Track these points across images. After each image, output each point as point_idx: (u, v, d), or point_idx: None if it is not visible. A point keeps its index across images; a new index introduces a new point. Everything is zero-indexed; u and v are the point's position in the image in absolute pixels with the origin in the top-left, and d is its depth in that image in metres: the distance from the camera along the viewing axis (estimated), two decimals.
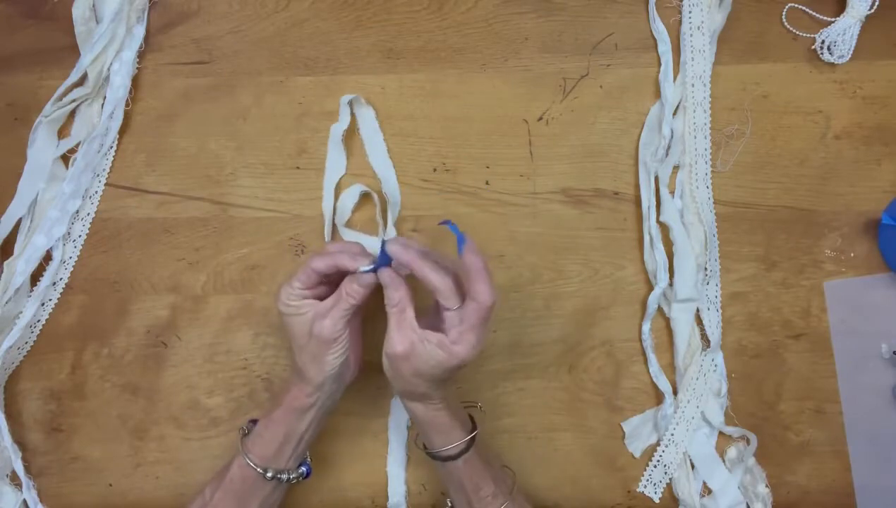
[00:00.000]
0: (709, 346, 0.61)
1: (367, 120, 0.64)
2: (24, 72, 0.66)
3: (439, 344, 0.48)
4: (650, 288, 0.62)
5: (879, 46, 0.64)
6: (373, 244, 0.62)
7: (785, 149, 0.63)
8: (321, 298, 0.52)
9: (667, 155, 0.63)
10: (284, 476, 0.54)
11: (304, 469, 0.56)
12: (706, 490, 0.61)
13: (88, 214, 0.65)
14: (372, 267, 0.50)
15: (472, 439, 0.53)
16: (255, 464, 0.53)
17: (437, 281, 0.48)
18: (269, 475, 0.53)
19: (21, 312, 0.62)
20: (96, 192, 0.65)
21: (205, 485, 0.55)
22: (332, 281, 0.53)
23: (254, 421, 0.56)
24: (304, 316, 0.51)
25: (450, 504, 0.57)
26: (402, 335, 0.49)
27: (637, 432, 0.62)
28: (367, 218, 0.64)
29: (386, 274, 0.50)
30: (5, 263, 0.62)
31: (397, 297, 0.50)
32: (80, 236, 0.64)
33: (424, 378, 0.50)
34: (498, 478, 0.54)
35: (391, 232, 0.62)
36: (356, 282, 0.50)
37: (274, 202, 0.64)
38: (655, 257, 0.62)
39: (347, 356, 0.52)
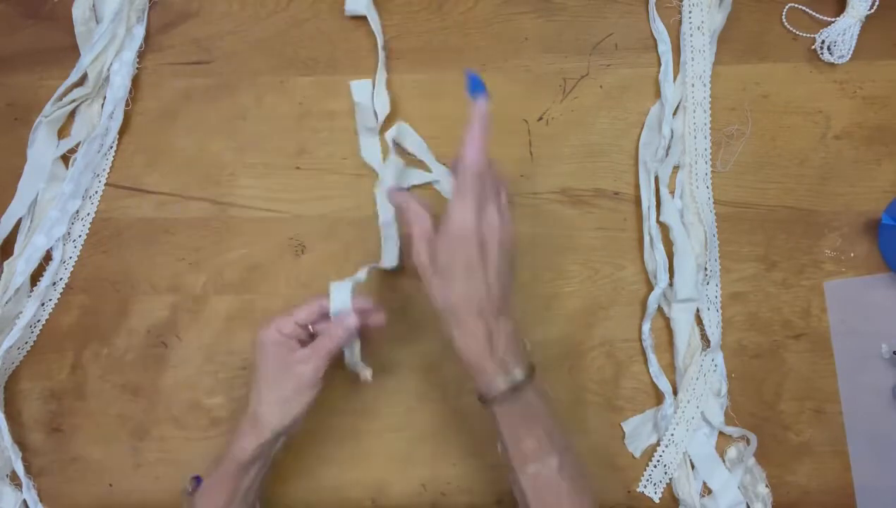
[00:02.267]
0: (709, 346, 0.61)
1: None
2: (24, 72, 0.66)
3: (443, 219, 0.48)
4: (650, 288, 0.62)
5: (879, 46, 0.64)
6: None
7: (785, 149, 0.63)
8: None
9: (667, 155, 0.63)
10: None
11: None
12: (706, 490, 0.61)
13: (88, 214, 0.65)
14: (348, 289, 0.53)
15: (517, 388, 0.49)
16: None
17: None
18: None
19: (21, 312, 0.62)
20: (96, 192, 0.65)
21: None
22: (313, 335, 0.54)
23: (196, 478, 0.55)
24: (287, 356, 0.52)
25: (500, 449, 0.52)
26: (424, 214, 0.50)
27: (637, 432, 0.62)
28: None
29: (396, 197, 0.52)
30: (5, 263, 0.62)
31: (399, 196, 0.52)
32: (80, 236, 0.64)
33: (457, 265, 0.47)
34: (552, 432, 0.49)
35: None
36: (340, 327, 0.52)
37: (274, 202, 0.64)
38: (655, 257, 0.62)
39: (309, 407, 0.52)
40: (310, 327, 0.54)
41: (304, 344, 0.53)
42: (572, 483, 0.49)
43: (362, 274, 0.56)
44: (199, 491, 0.53)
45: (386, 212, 0.62)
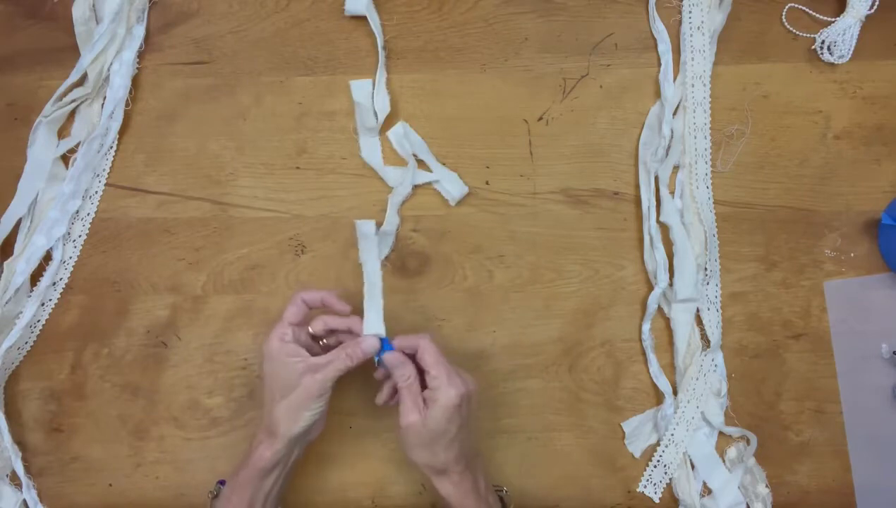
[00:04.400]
0: (709, 346, 0.61)
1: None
2: (24, 72, 0.66)
3: (430, 398, 0.52)
4: (650, 288, 0.62)
5: (879, 46, 0.64)
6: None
7: (785, 149, 0.63)
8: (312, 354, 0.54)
9: (667, 155, 0.63)
10: None
11: None
12: (706, 490, 0.61)
13: (88, 214, 0.65)
14: (380, 354, 0.54)
15: None
16: None
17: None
18: None
19: (21, 312, 0.62)
20: (96, 192, 0.65)
21: None
22: (324, 346, 0.56)
23: (222, 482, 0.56)
24: (296, 364, 0.52)
25: None
26: (414, 404, 0.52)
27: (637, 432, 0.62)
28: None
29: (393, 358, 0.53)
30: (5, 263, 0.62)
31: (407, 373, 0.53)
32: (80, 236, 0.64)
33: (437, 442, 0.51)
34: None
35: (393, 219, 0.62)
36: (360, 347, 0.53)
37: (274, 202, 0.64)
38: (655, 257, 0.62)
39: (322, 414, 0.53)
40: (309, 329, 0.55)
41: (309, 347, 0.54)
42: None
43: (377, 282, 0.57)
44: (219, 497, 0.54)
45: (391, 223, 0.62)
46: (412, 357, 0.54)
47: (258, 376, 0.62)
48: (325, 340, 0.57)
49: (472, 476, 0.53)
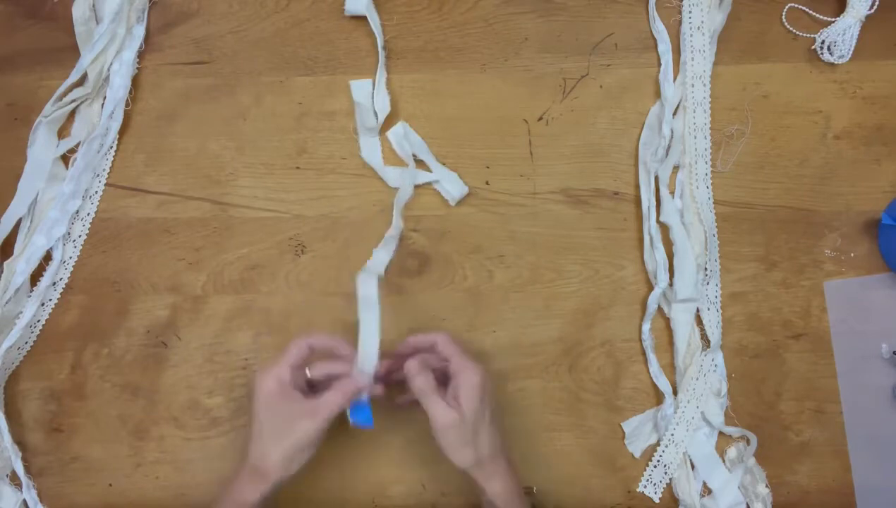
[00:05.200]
0: (709, 346, 0.61)
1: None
2: (24, 72, 0.66)
3: (458, 388, 0.52)
4: (650, 288, 0.62)
5: (879, 46, 0.64)
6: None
7: (785, 149, 0.63)
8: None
9: (667, 155, 0.63)
10: None
11: None
12: (706, 490, 0.61)
13: (88, 214, 0.65)
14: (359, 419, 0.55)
15: None
16: None
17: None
18: None
19: (21, 312, 0.62)
20: (96, 192, 0.65)
21: None
22: (308, 382, 0.55)
23: None
24: (291, 408, 0.52)
25: None
26: (442, 406, 0.52)
27: (637, 432, 0.62)
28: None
29: (411, 366, 0.53)
30: (5, 263, 0.62)
31: (422, 381, 0.52)
32: (80, 236, 0.64)
33: (478, 425, 0.52)
34: None
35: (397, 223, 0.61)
36: (354, 383, 0.53)
37: (274, 202, 0.64)
38: (655, 257, 0.62)
39: (313, 455, 0.53)
40: (307, 372, 0.54)
41: (303, 391, 0.53)
42: None
43: (374, 323, 0.54)
44: None
45: (396, 227, 0.61)
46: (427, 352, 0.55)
47: (244, 367, 0.63)
48: (313, 374, 0.55)
49: (515, 471, 0.54)
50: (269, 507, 0.53)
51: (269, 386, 0.52)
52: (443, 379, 0.54)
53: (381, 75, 0.64)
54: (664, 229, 0.62)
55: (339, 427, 0.62)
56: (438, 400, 0.52)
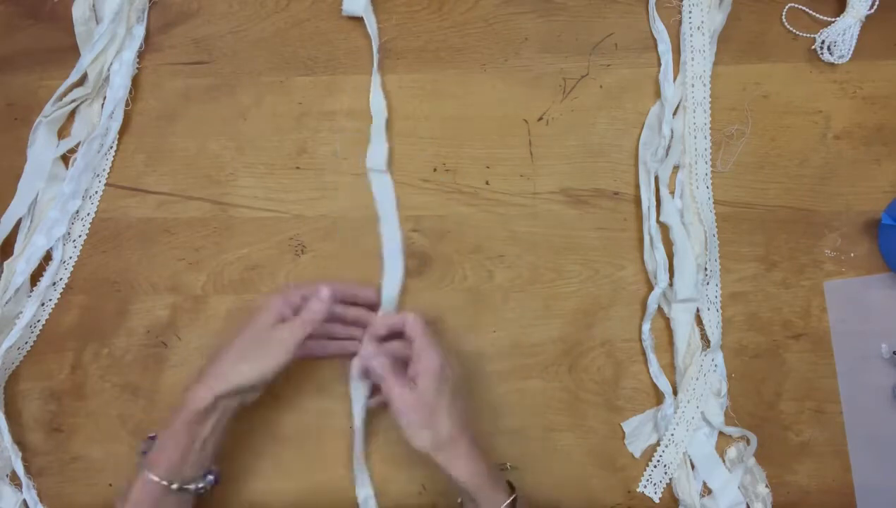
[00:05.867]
0: (709, 346, 0.61)
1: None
2: (24, 72, 0.66)
3: (417, 370, 0.53)
4: (650, 288, 0.62)
5: (879, 46, 0.64)
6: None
7: (785, 149, 0.63)
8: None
9: (667, 155, 0.63)
10: (192, 487, 0.52)
11: (210, 477, 0.54)
12: (706, 490, 0.61)
13: (88, 214, 0.65)
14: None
15: (514, 501, 0.53)
16: (159, 478, 0.51)
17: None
18: (175, 486, 0.51)
19: (21, 312, 0.62)
20: (96, 192, 0.65)
21: None
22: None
23: (153, 437, 0.54)
24: (275, 324, 0.54)
25: None
26: (397, 381, 0.53)
27: (637, 432, 0.62)
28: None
29: (365, 353, 0.57)
30: (5, 263, 0.62)
31: (383, 361, 0.54)
32: (80, 236, 0.64)
33: (436, 408, 0.52)
34: None
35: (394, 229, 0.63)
36: (318, 300, 0.55)
37: (274, 202, 0.64)
38: (655, 257, 0.62)
39: (270, 377, 0.53)
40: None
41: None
42: None
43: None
44: (154, 447, 0.53)
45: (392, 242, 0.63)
46: (399, 336, 0.56)
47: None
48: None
49: (481, 452, 0.53)
50: (221, 432, 0.53)
51: (276, 303, 0.55)
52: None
53: (376, 78, 0.64)
54: (664, 229, 0.62)
55: (337, 427, 0.62)
56: (394, 382, 0.53)
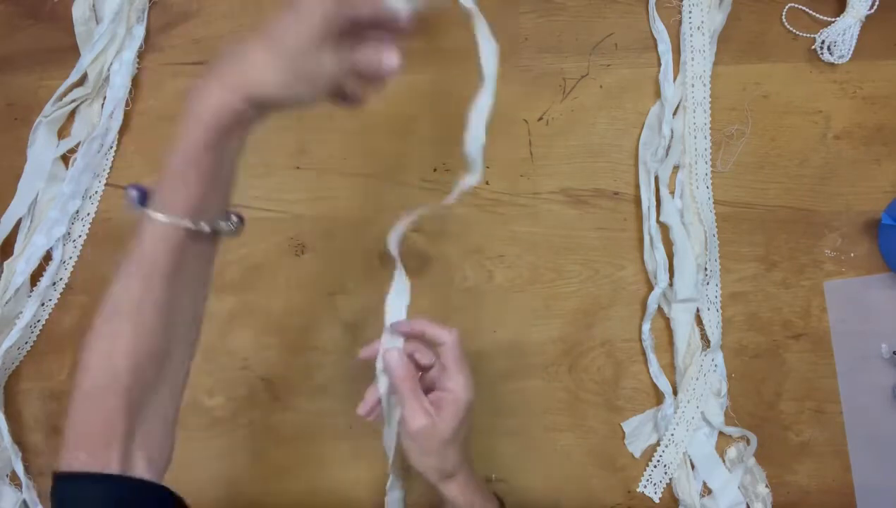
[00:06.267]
0: (709, 346, 0.61)
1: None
2: (24, 72, 0.66)
3: (443, 399, 0.48)
4: (650, 288, 0.62)
5: (879, 46, 0.64)
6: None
7: (785, 149, 0.63)
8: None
9: (667, 155, 0.63)
10: (224, 226, 0.41)
11: (235, 217, 0.43)
12: (706, 490, 0.61)
13: (88, 214, 0.65)
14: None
15: None
16: (181, 218, 0.38)
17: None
18: (206, 227, 0.39)
19: (21, 312, 0.62)
20: (96, 192, 0.65)
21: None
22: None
23: (137, 188, 0.41)
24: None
25: None
26: (421, 407, 0.47)
27: (637, 432, 0.62)
28: None
29: (391, 356, 0.48)
30: (5, 263, 0.62)
31: (408, 372, 0.48)
32: (80, 236, 0.64)
33: (453, 442, 0.48)
34: None
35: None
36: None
37: (274, 202, 0.64)
38: (655, 257, 0.62)
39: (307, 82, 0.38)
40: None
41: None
42: None
43: None
44: (164, 180, 0.39)
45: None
46: (418, 348, 0.49)
47: (244, 367, 0.62)
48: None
49: (473, 473, 0.52)
50: (234, 167, 0.40)
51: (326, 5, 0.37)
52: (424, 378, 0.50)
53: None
54: (664, 229, 0.62)
55: (338, 426, 0.62)
56: (412, 402, 0.47)
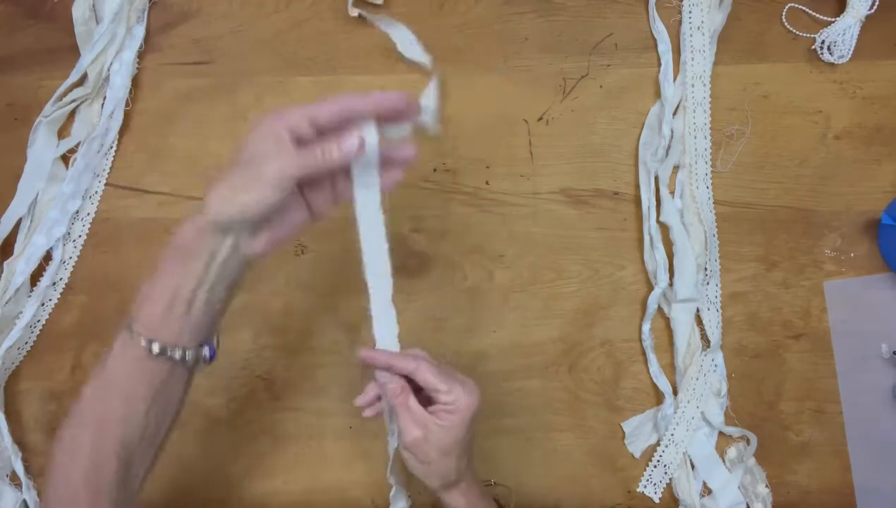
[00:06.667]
0: (709, 346, 0.61)
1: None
2: (24, 72, 0.66)
3: (444, 409, 0.48)
4: (650, 288, 0.62)
5: (879, 46, 0.64)
6: None
7: (785, 149, 0.63)
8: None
9: (667, 155, 0.63)
10: (178, 354, 0.43)
11: (206, 349, 0.45)
12: (706, 490, 0.61)
13: (88, 214, 0.65)
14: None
15: None
16: (139, 334, 0.42)
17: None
18: (157, 349, 0.42)
19: (21, 312, 0.62)
20: (96, 192, 0.65)
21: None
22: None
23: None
24: (282, 137, 0.43)
25: None
26: (413, 420, 0.48)
27: (637, 432, 0.62)
28: None
29: (380, 375, 0.49)
30: (5, 263, 0.62)
31: (397, 388, 0.48)
32: (80, 236, 0.64)
33: (452, 452, 0.48)
34: None
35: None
36: (340, 147, 0.43)
37: None
38: (655, 257, 0.62)
39: (269, 208, 0.42)
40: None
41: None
42: None
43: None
44: (139, 294, 0.43)
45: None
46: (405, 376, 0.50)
47: (244, 367, 0.63)
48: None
49: (476, 481, 0.52)
50: (217, 280, 0.43)
51: (273, 126, 0.43)
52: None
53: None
54: (664, 229, 0.62)
55: (338, 426, 0.62)
56: (404, 416, 0.48)
